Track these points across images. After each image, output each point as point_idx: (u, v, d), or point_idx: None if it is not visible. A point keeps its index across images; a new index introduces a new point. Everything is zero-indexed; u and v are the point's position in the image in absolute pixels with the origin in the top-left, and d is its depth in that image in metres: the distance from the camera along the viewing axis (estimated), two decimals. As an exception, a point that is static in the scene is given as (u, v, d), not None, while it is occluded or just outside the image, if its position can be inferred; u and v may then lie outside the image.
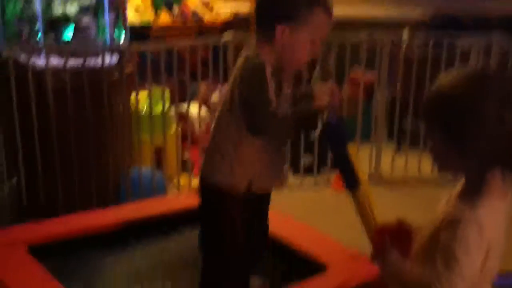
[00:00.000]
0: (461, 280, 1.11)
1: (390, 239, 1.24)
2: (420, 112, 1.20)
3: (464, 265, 1.10)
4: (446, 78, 1.16)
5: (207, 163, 1.71)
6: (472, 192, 1.15)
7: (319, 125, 1.71)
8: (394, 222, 1.31)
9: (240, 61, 1.64)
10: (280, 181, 1.83)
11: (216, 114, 1.72)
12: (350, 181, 1.72)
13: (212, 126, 1.74)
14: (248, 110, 1.59)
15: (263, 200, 1.81)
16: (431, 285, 1.12)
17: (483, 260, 1.12)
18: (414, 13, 4.36)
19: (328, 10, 1.62)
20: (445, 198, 1.24)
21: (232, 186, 1.66)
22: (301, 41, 1.61)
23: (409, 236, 1.25)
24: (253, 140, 1.62)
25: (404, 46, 3.71)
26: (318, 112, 1.66)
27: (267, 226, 1.88)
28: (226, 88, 1.69)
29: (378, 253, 1.25)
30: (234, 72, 1.65)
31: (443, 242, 1.12)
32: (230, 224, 1.69)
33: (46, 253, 1.98)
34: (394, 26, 3.87)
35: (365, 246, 1.38)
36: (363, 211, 1.72)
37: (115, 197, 2.88)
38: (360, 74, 3.41)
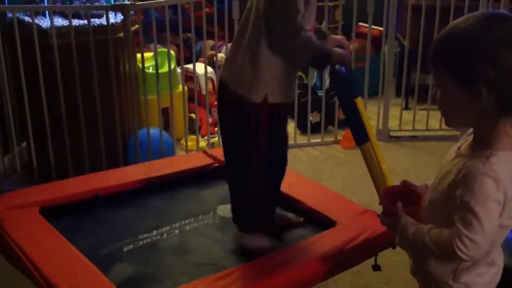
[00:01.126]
0: (482, 236, 1.08)
1: (400, 200, 1.21)
2: (429, 58, 1.14)
3: (484, 220, 1.07)
4: (457, 20, 1.12)
5: (228, 68, 1.74)
6: (483, 144, 1.12)
7: (327, 74, 1.71)
8: (400, 184, 1.28)
9: None
10: (292, 98, 1.85)
11: (243, 16, 1.73)
12: (360, 134, 1.72)
13: (238, 28, 1.75)
14: (274, 22, 1.61)
15: (280, 118, 1.83)
16: (451, 245, 1.09)
17: (500, 211, 1.09)
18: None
19: None
20: (452, 152, 1.21)
21: (250, 94, 1.68)
22: None
23: (418, 197, 1.23)
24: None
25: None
26: (328, 56, 1.64)
27: (285, 153, 1.91)
28: None
29: (389, 217, 1.22)
30: None
31: (460, 199, 1.09)
32: (252, 132, 1.71)
33: (57, 214, 2.00)
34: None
35: (374, 201, 1.37)
36: (372, 165, 1.72)
37: (124, 158, 2.89)
38: (368, 27, 3.34)
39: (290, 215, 2.00)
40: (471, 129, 1.17)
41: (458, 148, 1.19)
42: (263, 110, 1.70)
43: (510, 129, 1.11)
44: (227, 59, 1.79)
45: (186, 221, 2.03)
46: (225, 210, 2.05)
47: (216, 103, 1.88)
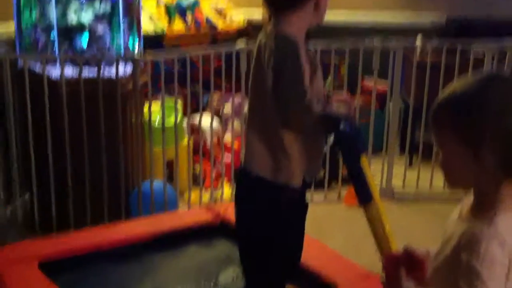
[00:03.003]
0: None
1: (403, 267, 1.19)
2: (430, 118, 1.13)
3: (491, 285, 1.04)
4: (458, 81, 1.12)
5: (249, 155, 1.67)
6: (486, 206, 1.10)
7: (332, 135, 1.69)
8: (404, 248, 1.27)
9: (265, 38, 1.62)
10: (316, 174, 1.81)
11: (249, 96, 1.69)
12: (363, 194, 1.70)
13: (248, 113, 1.71)
14: (282, 101, 1.56)
15: (304, 199, 1.77)
16: None
17: (506, 275, 1.06)
18: (427, 19, 4.32)
19: None
20: (454, 215, 1.20)
21: (289, 179, 1.63)
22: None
23: (422, 262, 1.21)
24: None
25: (417, 52, 3.68)
26: (336, 120, 1.62)
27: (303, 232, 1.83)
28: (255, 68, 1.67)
29: (392, 283, 1.20)
30: (263, 51, 1.61)
31: (464, 263, 1.06)
32: (284, 214, 1.66)
33: (57, 268, 1.98)
34: (407, 32, 3.83)
35: (377, 263, 1.35)
36: (376, 227, 1.70)
37: (126, 211, 2.88)
38: (373, 83, 3.37)
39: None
40: (471, 191, 1.16)
41: (460, 211, 1.18)
42: (288, 192, 1.65)
43: None
44: (248, 148, 1.71)
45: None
46: (226, 277, 2.01)
47: (235, 189, 1.81)
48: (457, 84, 1.11)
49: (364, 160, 1.70)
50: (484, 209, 1.10)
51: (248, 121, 1.72)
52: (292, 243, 1.73)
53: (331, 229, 3.06)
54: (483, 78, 1.10)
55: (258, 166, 1.66)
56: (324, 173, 3.41)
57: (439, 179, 3.34)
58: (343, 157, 1.79)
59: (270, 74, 1.56)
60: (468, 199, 1.17)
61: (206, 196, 3.21)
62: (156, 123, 3.15)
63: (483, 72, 1.17)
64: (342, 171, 3.35)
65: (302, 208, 1.72)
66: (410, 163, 3.72)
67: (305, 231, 1.92)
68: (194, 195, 3.17)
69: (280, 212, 1.66)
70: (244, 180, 1.71)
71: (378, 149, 3.52)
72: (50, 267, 1.94)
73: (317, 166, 1.75)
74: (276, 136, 1.62)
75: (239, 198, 1.73)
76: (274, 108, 1.59)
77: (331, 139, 3.22)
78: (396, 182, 3.48)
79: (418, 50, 3.71)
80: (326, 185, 3.42)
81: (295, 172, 1.64)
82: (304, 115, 1.56)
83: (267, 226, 1.68)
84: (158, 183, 2.93)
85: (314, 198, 3.39)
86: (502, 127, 1.04)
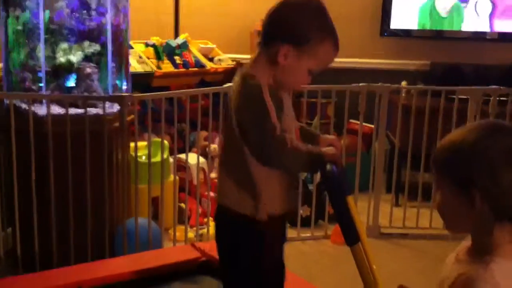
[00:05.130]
0: None
1: None
2: (431, 161, 1.17)
3: None
4: (460, 127, 1.16)
5: (223, 193, 1.68)
6: (482, 250, 1.12)
7: (319, 174, 1.68)
8: None
9: (235, 81, 1.62)
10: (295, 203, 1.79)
11: (222, 136, 1.70)
12: (350, 236, 1.69)
13: (221, 148, 1.72)
14: (252, 140, 1.56)
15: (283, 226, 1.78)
16: None
17: None
18: (412, 63, 4.42)
19: (336, 46, 1.61)
20: (451, 257, 1.20)
21: (257, 213, 1.62)
22: (301, 68, 1.59)
23: None
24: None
25: (402, 95, 3.75)
26: (321, 158, 1.62)
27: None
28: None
29: None
30: (232, 94, 1.62)
31: None
32: (266, 255, 1.65)
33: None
34: (393, 76, 3.92)
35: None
36: (363, 266, 1.69)
37: (110, 248, 2.84)
38: (359, 124, 3.41)
39: None
40: (469, 235, 1.18)
41: (457, 254, 1.18)
42: (269, 225, 1.66)
43: (508, 235, 1.11)
44: (221, 183, 1.73)
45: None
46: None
47: (213, 221, 1.82)
48: (458, 130, 1.16)
49: (350, 201, 1.70)
50: (480, 253, 1.12)
51: (219, 158, 1.74)
52: (269, 277, 1.71)
53: (318, 266, 3.04)
54: (483, 127, 1.13)
55: (227, 200, 1.67)
56: (311, 211, 3.42)
57: (425, 218, 3.37)
58: (330, 198, 1.79)
59: (235, 116, 1.57)
60: (467, 242, 1.19)
61: (191, 234, 3.18)
62: (143, 159, 3.15)
63: (485, 121, 1.20)
64: (329, 209, 3.35)
65: (275, 241, 1.70)
66: (397, 203, 3.74)
67: (293, 269, 1.90)
68: (179, 232, 3.14)
69: (252, 245, 1.65)
70: (218, 215, 1.72)
71: (364, 189, 3.54)
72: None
73: (289, 201, 1.72)
74: (242, 172, 1.61)
75: (216, 233, 1.74)
76: (240, 146, 1.58)
77: (318, 177, 3.22)
78: (383, 220, 3.49)
79: (403, 93, 3.80)
80: (312, 222, 3.42)
81: (262, 206, 1.62)
82: (280, 149, 1.54)
83: (241, 259, 1.68)
84: (143, 220, 2.90)
85: (301, 235, 3.39)
86: (495, 175, 1.08)
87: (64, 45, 2.89)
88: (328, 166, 1.62)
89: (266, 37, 1.60)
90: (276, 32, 1.58)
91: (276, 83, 1.60)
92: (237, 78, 1.62)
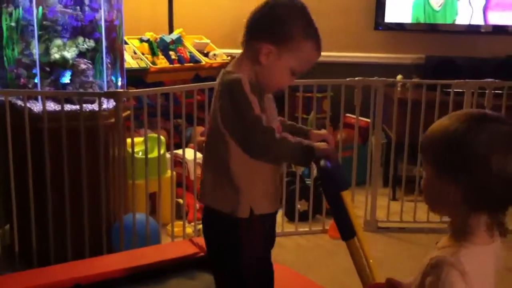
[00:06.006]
0: None
1: None
2: (420, 144, 1.21)
3: None
4: (448, 116, 1.17)
5: (206, 190, 1.67)
6: (458, 237, 1.14)
7: (313, 168, 1.68)
8: (387, 280, 1.28)
9: (218, 76, 1.63)
10: (278, 200, 1.78)
11: (205, 137, 1.70)
12: (345, 231, 1.69)
13: (204, 148, 1.71)
14: (237, 132, 1.55)
15: (268, 224, 1.75)
16: None
17: None
18: (407, 57, 4.42)
19: (319, 47, 1.61)
20: (436, 245, 1.22)
21: (235, 211, 1.62)
22: (282, 67, 1.59)
23: None
24: (246, 158, 1.57)
25: (398, 89, 3.75)
26: (311, 151, 1.60)
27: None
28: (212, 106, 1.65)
29: None
30: (215, 89, 1.63)
31: (427, 286, 1.10)
32: (247, 253, 1.65)
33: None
34: (388, 70, 3.92)
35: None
36: (359, 261, 1.69)
37: (108, 244, 2.84)
38: (355, 118, 3.41)
39: None
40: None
41: (442, 241, 1.20)
42: (252, 223, 1.65)
43: (484, 223, 1.13)
44: (202, 181, 1.72)
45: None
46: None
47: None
48: (443, 118, 1.17)
49: (347, 195, 1.69)
50: (455, 239, 1.14)
51: (202, 159, 1.74)
52: (251, 275, 1.69)
53: (316, 260, 3.05)
54: (463, 116, 1.14)
55: (209, 197, 1.67)
56: (308, 206, 3.43)
57: (423, 212, 3.38)
58: (324, 193, 1.78)
59: (218, 112, 1.57)
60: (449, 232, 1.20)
61: (189, 230, 3.19)
62: (139, 155, 3.15)
63: (467, 111, 1.21)
64: (326, 203, 3.36)
65: (256, 240, 1.68)
66: (394, 197, 3.75)
67: (290, 262, 1.90)
68: (177, 228, 3.15)
69: (234, 241, 1.64)
70: (204, 213, 1.72)
71: (361, 182, 3.55)
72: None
73: (271, 200, 1.71)
74: (223, 169, 1.60)
75: (203, 230, 1.75)
76: (222, 143, 1.58)
77: (315, 171, 3.22)
78: (380, 214, 3.50)
79: (398, 87, 3.80)
80: (310, 217, 3.43)
81: (243, 203, 1.61)
82: (268, 139, 1.53)
83: (226, 256, 1.67)
84: (140, 216, 2.90)
85: (298, 229, 3.40)
86: (473, 166, 1.09)
87: (58, 42, 2.89)
88: (322, 162, 1.61)
89: (248, 35, 1.61)
90: (258, 31, 1.59)
91: (258, 82, 1.60)
92: (220, 74, 1.63)
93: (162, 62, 3.94)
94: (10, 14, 2.86)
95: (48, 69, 2.90)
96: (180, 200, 3.36)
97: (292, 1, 1.62)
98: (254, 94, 1.56)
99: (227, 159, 1.60)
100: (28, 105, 2.74)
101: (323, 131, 1.81)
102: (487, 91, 3.36)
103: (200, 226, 3.25)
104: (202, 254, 2.29)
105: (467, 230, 1.13)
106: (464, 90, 3.40)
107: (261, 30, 1.59)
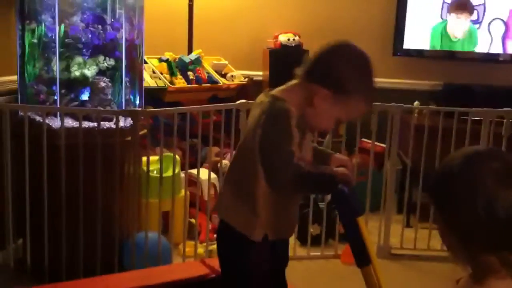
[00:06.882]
0: None
1: None
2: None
3: None
4: (447, 158, 1.16)
5: (224, 204, 1.72)
6: (474, 279, 1.12)
7: (330, 194, 1.69)
8: None
9: (263, 98, 1.65)
10: (294, 228, 1.81)
11: (235, 153, 1.73)
12: (361, 257, 1.68)
13: (230, 163, 1.74)
14: (268, 161, 1.57)
15: (281, 246, 1.78)
16: None
17: None
18: (425, 83, 4.42)
19: (370, 105, 1.67)
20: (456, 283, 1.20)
21: (249, 234, 1.65)
22: (332, 114, 1.64)
23: None
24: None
25: (415, 115, 3.73)
26: (333, 179, 1.63)
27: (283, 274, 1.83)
28: (248, 126, 1.69)
29: None
30: (255, 110, 1.64)
31: None
32: (253, 271, 1.67)
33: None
34: (405, 96, 3.91)
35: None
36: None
37: (119, 262, 2.84)
38: (371, 144, 3.40)
39: None
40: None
41: (460, 278, 1.18)
42: (263, 247, 1.68)
43: (496, 262, 1.10)
44: (221, 193, 1.78)
45: None
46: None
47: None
48: (445, 161, 1.16)
49: (361, 222, 1.69)
50: (472, 282, 1.12)
51: (226, 174, 1.76)
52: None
53: (327, 286, 3.01)
54: (462, 159, 1.13)
55: (225, 211, 1.71)
56: (321, 230, 3.40)
57: (437, 240, 3.32)
58: (341, 218, 1.79)
59: (259, 132, 1.59)
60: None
61: (201, 250, 3.17)
62: (154, 173, 3.16)
63: (465, 149, 1.20)
64: (339, 228, 3.33)
65: (264, 264, 1.70)
66: (408, 223, 3.71)
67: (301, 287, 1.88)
68: (189, 248, 3.14)
69: (246, 261, 1.67)
70: (219, 224, 1.76)
71: (375, 208, 3.52)
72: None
73: (286, 228, 1.75)
74: (247, 190, 1.64)
75: (216, 239, 1.78)
76: (253, 165, 1.61)
77: (328, 196, 3.21)
78: (394, 241, 3.46)
79: (416, 113, 3.79)
80: (323, 241, 3.40)
81: (258, 228, 1.65)
82: (294, 177, 1.56)
83: (236, 274, 1.70)
84: (152, 234, 2.90)
85: (310, 254, 3.37)
86: (475, 209, 1.07)
87: (79, 59, 2.92)
88: (340, 186, 1.63)
89: (309, 74, 1.64)
90: (321, 75, 1.62)
91: (303, 118, 1.63)
92: (265, 98, 1.65)
93: (180, 82, 3.97)
94: (33, 31, 2.91)
95: (67, 86, 2.93)
96: (193, 220, 3.35)
97: (362, 54, 1.66)
98: (298, 129, 1.60)
99: (254, 184, 1.63)
100: (46, 121, 2.77)
101: (344, 157, 1.83)
102: (505, 120, 3.34)
103: (212, 247, 3.26)
104: (213, 275, 2.28)
105: (484, 272, 1.11)
106: (482, 118, 3.37)
107: (324, 74, 1.62)
